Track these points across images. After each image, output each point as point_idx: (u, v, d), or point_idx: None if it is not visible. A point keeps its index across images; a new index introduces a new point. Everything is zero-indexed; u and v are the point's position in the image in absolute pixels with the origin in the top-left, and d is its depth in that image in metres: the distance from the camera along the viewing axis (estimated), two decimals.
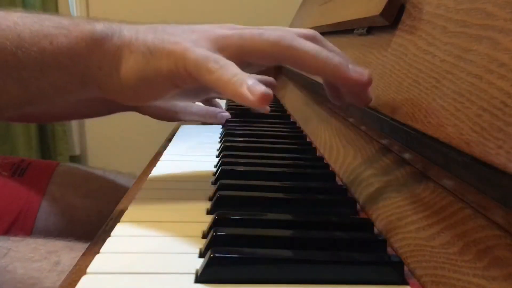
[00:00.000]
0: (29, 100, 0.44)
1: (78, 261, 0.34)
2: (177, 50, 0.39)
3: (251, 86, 0.35)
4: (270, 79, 0.69)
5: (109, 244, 0.34)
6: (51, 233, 0.71)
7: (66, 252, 0.56)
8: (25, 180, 0.77)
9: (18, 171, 0.78)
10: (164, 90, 0.42)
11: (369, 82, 0.40)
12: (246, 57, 0.40)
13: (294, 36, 0.40)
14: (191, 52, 0.38)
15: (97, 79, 0.41)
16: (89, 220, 0.76)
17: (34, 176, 0.78)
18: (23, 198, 0.75)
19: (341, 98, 0.45)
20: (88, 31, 0.40)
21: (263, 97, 0.35)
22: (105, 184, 0.84)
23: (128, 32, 0.41)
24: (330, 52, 0.40)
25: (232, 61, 0.38)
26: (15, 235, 0.66)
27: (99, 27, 0.41)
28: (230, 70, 0.37)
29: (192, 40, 0.40)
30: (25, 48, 0.40)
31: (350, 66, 0.39)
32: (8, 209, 0.74)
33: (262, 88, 0.35)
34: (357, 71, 0.39)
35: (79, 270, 0.32)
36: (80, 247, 0.58)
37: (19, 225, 0.74)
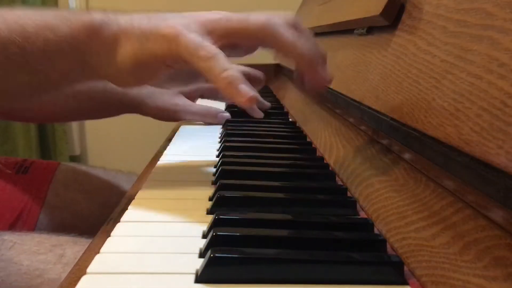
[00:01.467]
0: (37, 87, 0.48)
1: (78, 261, 0.34)
2: (170, 33, 0.42)
3: (242, 87, 0.40)
4: (258, 73, 0.71)
5: (109, 244, 0.34)
6: (55, 229, 0.73)
7: (70, 246, 0.58)
8: (28, 177, 0.79)
9: (22, 169, 0.81)
10: (158, 71, 0.45)
11: (330, 81, 0.46)
12: (232, 38, 0.44)
13: (277, 22, 0.44)
14: (183, 36, 0.41)
15: (96, 64, 0.45)
16: (92, 215, 0.79)
17: (37, 174, 0.81)
18: (27, 194, 0.77)
19: (302, 82, 0.49)
20: (87, 20, 0.43)
21: (250, 100, 0.40)
22: (106, 181, 0.86)
23: (124, 20, 0.44)
24: (306, 44, 0.44)
25: (220, 41, 0.43)
26: (20, 230, 0.69)
27: (98, 16, 0.44)
28: (220, 63, 0.40)
29: (184, 24, 0.43)
30: (31, 40, 0.43)
31: (319, 68, 0.45)
32: (12, 205, 0.76)
33: (251, 92, 0.40)
34: (322, 73, 0.45)
35: (79, 270, 0.32)
36: (83, 242, 0.59)
37: (23, 220, 0.75)
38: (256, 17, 0.44)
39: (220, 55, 0.41)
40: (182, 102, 0.79)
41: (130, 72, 0.44)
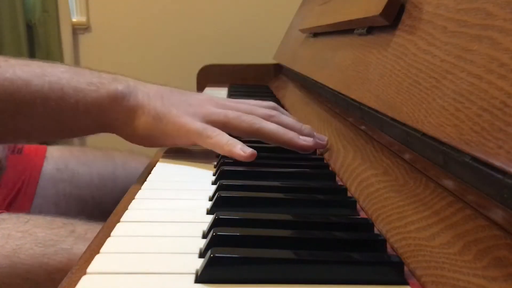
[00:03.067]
0: (61, 135, 0.59)
1: (78, 261, 0.34)
2: (179, 122, 0.54)
3: (242, 147, 0.52)
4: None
5: (109, 244, 0.34)
6: (59, 201, 0.85)
7: (80, 224, 0.65)
8: (24, 156, 0.88)
9: (16, 150, 0.88)
10: (165, 144, 0.58)
11: (313, 147, 0.57)
12: (228, 130, 0.55)
13: (261, 120, 0.56)
14: (191, 124, 0.54)
15: (115, 126, 0.56)
16: (93, 184, 0.89)
17: (31, 152, 0.89)
18: (27, 168, 0.86)
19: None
20: (112, 90, 0.54)
21: (251, 155, 0.51)
22: (99, 154, 0.95)
23: (141, 94, 0.55)
24: (285, 130, 0.56)
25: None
26: (17, 208, 0.78)
27: (120, 87, 0.54)
28: (225, 136, 0.53)
29: (190, 113, 0.55)
30: (65, 99, 0.53)
31: (301, 137, 0.56)
32: (10, 185, 0.83)
33: (249, 149, 0.51)
34: (303, 142, 0.56)
35: (79, 270, 0.32)
36: (92, 222, 0.65)
37: (20, 196, 0.83)
38: (246, 117, 0.55)
39: (224, 133, 0.53)
40: None
41: (143, 138, 0.56)
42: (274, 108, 0.62)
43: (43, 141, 0.68)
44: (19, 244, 0.60)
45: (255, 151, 0.51)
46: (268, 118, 0.57)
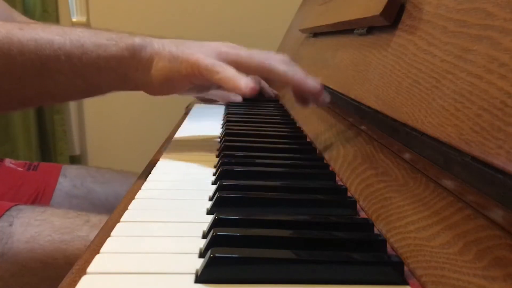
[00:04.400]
0: (88, 92, 0.59)
1: (78, 261, 0.34)
2: (193, 58, 0.55)
3: (246, 81, 0.53)
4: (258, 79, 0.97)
5: (109, 244, 0.34)
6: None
7: (94, 215, 0.69)
8: (39, 173, 0.91)
9: (32, 167, 0.92)
10: (182, 86, 0.58)
11: (321, 89, 0.58)
12: (239, 68, 0.56)
13: (273, 59, 0.58)
14: (203, 60, 0.55)
15: (135, 77, 0.57)
16: (108, 202, 0.92)
17: (46, 170, 0.92)
18: (41, 183, 0.89)
19: (304, 101, 0.62)
20: (130, 43, 0.56)
21: (253, 89, 0.53)
22: (116, 175, 0.98)
23: (157, 44, 0.57)
24: (295, 71, 0.57)
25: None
26: None
27: (137, 40, 0.56)
28: (231, 71, 0.54)
29: (203, 52, 0.57)
30: (87, 54, 0.54)
31: (309, 79, 0.57)
32: (27, 195, 0.86)
33: (252, 83, 0.53)
34: (312, 82, 0.57)
35: (79, 270, 0.32)
36: (106, 214, 0.68)
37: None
38: (258, 55, 0.57)
39: (230, 68, 0.54)
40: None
41: (162, 84, 0.57)
42: (288, 60, 0.63)
43: (71, 100, 0.71)
44: (38, 231, 0.64)
45: (256, 85, 0.53)
46: (280, 61, 0.58)
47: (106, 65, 0.55)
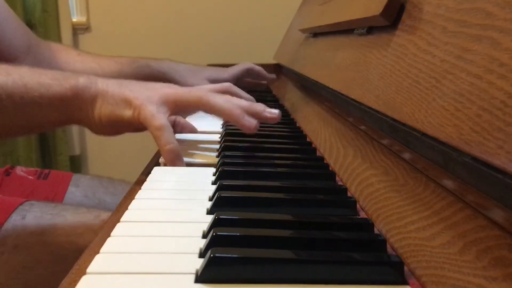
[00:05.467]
0: (30, 129, 0.61)
1: (78, 261, 0.34)
2: (134, 103, 0.56)
3: (177, 155, 0.55)
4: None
5: (109, 244, 0.34)
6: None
7: (104, 212, 0.70)
8: (49, 182, 0.92)
9: (43, 175, 0.93)
10: (125, 129, 0.59)
11: (255, 128, 0.59)
12: (178, 106, 0.58)
13: (210, 94, 0.59)
14: (144, 108, 0.55)
15: (79, 116, 0.58)
16: None
17: (56, 179, 0.93)
18: (50, 192, 0.90)
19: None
20: (74, 83, 0.56)
21: (180, 163, 0.55)
22: (128, 186, 0.95)
23: (101, 84, 0.57)
24: (233, 105, 0.58)
25: (172, 109, 0.58)
26: None
27: (81, 80, 0.57)
28: (166, 136, 0.54)
29: (145, 96, 0.56)
30: (30, 94, 0.55)
31: (246, 117, 0.58)
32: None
33: (181, 158, 0.55)
34: (248, 122, 0.58)
35: (79, 270, 0.32)
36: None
37: None
38: (195, 93, 0.59)
39: (168, 129, 0.55)
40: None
41: (104, 126, 0.58)
42: (229, 88, 0.66)
43: (12, 137, 0.70)
44: (50, 224, 0.65)
45: (183, 161, 0.55)
46: (219, 92, 0.60)
47: (49, 104, 0.55)
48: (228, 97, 0.61)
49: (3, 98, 0.54)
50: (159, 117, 0.55)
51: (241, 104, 0.59)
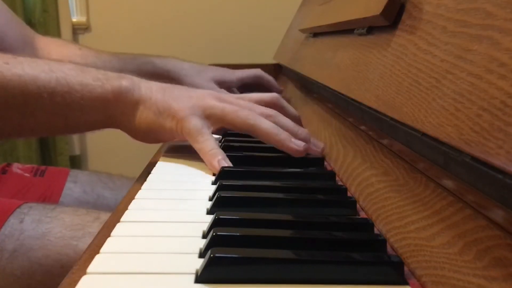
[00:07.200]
0: (66, 130, 0.59)
1: (78, 261, 0.34)
2: (178, 116, 0.54)
3: (220, 160, 0.52)
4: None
5: (109, 244, 0.34)
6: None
7: (104, 213, 0.68)
8: (45, 179, 0.91)
9: (39, 172, 0.91)
10: (166, 139, 0.59)
11: (304, 152, 0.55)
12: (223, 124, 0.57)
13: (257, 117, 0.56)
14: (187, 122, 0.54)
15: (118, 120, 0.57)
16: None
17: (53, 175, 0.92)
18: (46, 189, 0.89)
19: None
20: (116, 85, 0.55)
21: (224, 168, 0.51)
22: (127, 182, 0.96)
23: (144, 89, 0.56)
24: (279, 130, 0.55)
25: (214, 126, 0.57)
26: None
27: (125, 83, 0.55)
28: (209, 145, 0.54)
29: (189, 107, 0.55)
30: (71, 94, 0.53)
31: (293, 140, 0.55)
32: (33, 200, 0.84)
33: (225, 163, 0.52)
34: (294, 146, 0.55)
35: (79, 270, 0.32)
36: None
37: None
38: (243, 112, 0.56)
39: (211, 140, 0.54)
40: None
41: (144, 132, 0.57)
42: (276, 101, 0.62)
43: (47, 136, 0.68)
44: (49, 227, 0.64)
45: (229, 163, 0.52)
46: (265, 116, 0.57)
47: (90, 106, 0.54)
48: (274, 116, 0.57)
49: (44, 97, 0.52)
50: (203, 134, 0.54)
51: (288, 127, 0.57)
